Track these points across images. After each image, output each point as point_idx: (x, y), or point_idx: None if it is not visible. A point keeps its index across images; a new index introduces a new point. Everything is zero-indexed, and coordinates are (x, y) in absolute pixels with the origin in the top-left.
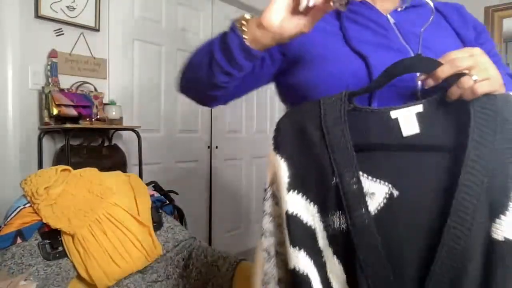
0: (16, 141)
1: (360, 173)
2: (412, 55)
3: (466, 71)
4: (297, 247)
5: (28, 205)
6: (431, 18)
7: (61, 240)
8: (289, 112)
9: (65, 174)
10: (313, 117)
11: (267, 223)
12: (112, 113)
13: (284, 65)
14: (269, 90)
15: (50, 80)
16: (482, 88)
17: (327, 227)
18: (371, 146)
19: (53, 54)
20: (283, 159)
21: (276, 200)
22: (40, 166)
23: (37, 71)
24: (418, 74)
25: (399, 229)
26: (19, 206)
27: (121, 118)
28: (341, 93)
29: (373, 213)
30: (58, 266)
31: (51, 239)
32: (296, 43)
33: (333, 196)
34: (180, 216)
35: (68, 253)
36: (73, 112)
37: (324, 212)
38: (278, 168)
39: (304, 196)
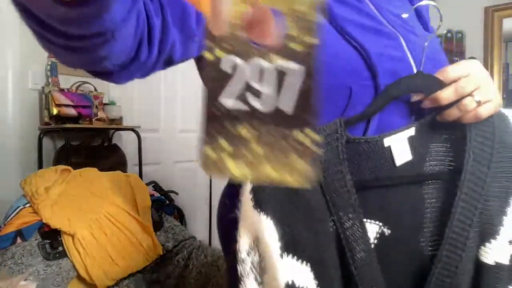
0: (16, 141)
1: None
2: (402, 43)
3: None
4: None
5: (28, 205)
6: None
7: (61, 240)
8: None
9: (65, 174)
10: None
11: None
12: (112, 113)
13: None
14: None
15: (50, 80)
16: (485, 111)
17: (321, 285)
18: (365, 183)
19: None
20: (268, 218)
21: (256, 275)
22: (40, 166)
23: (37, 71)
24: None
25: (391, 267)
26: (19, 206)
27: (121, 118)
28: (336, 123)
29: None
30: (58, 266)
31: (51, 239)
32: None
33: (332, 245)
34: (180, 216)
35: (68, 253)
36: (73, 112)
37: (319, 268)
38: (264, 232)
39: (297, 257)
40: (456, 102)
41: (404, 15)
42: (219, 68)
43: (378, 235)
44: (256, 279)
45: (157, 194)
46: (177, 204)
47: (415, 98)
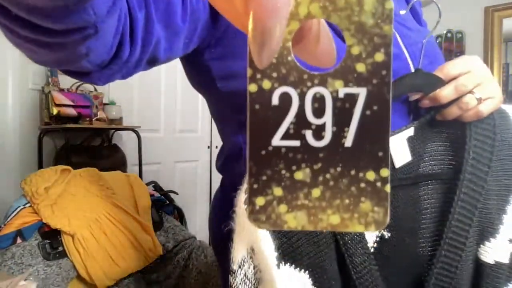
0: (16, 141)
1: None
2: (398, 38)
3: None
4: None
5: (28, 205)
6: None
7: (61, 240)
8: None
9: (65, 174)
10: None
11: None
12: (112, 113)
13: (211, 37)
14: None
15: (50, 80)
16: (487, 109)
17: None
18: None
19: None
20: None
21: (250, 286)
22: (40, 166)
23: (37, 71)
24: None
25: (391, 269)
26: (19, 206)
27: (121, 118)
28: None
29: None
30: (58, 266)
31: (51, 239)
32: None
33: (331, 250)
34: (180, 216)
35: (68, 253)
36: (73, 112)
37: (317, 275)
38: (260, 241)
39: (295, 265)
40: (456, 100)
41: (402, 12)
42: (269, 103)
43: (378, 239)
44: None
45: (157, 194)
46: (177, 204)
47: (414, 97)
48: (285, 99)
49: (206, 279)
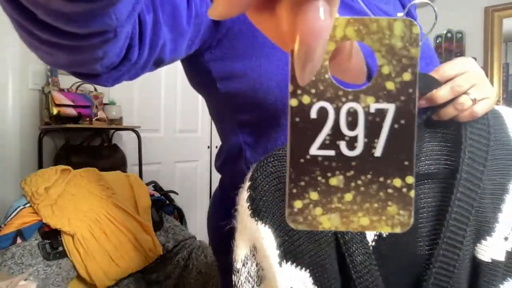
0: (16, 141)
1: None
2: None
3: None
4: None
5: (28, 205)
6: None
7: (61, 240)
8: (266, 158)
9: (65, 174)
10: None
11: None
12: (112, 113)
13: (212, 39)
14: None
15: (50, 80)
16: (482, 109)
17: None
18: None
19: None
20: (267, 226)
21: (253, 284)
22: (40, 166)
23: (37, 71)
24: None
25: (390, 268)
26: (19, 206)
27: (121, 118)
28: None
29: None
30: (58, 266)
31: (51, 239)
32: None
33: (331, 249)
34: (180, 216)
35: (68, 253)
36: (73, 112)
37: (318, 273)
38: (263, 240)
39: (296, 264)
40: (452, 100)
41: (399, 14)
42: (308, 116)
43: (376, 237)
44: None
45: (157, 194)
46: (177, 204)
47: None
48: (322, 113)
49: (206, 279)
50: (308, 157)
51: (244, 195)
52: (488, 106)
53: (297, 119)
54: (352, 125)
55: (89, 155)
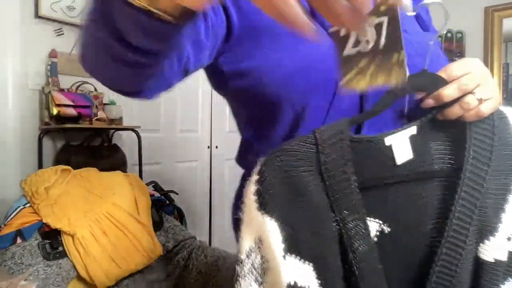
0: (16, 141)
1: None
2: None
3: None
4: None
5: (28, 205)
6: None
7: (61, 240)
8: (272, 153)
9: (65, 174)
10: (307, 157)
11: None
12: (112, 113)
13: (225, 44)
14: None
15: (50, 80)
16: (487, 109)
17: (323, 284)
18: (366, 182)
19: (53, 54)
20: (273, 220)
21: (256, 275)
22: (40, 166)
23: (37, 71)
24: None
25: (391, 265)
26: (19, 206)
27: (121, 118)
28: (340, 123)
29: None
30: (58, 266)
31: (51, 239)
32: (251, 10)
33: (335, 245)
34: (180, 216)
35: (68, 253)
36: (73, 112)
37: (321, 268)
38: (268, 233)
39: (300, 257)
40: (458, 100)
41: (410, 13)
42: (342, 38)
43: (378, 233)
44: (256, 280)
45: (157, 194)
46: (177, 204)
47: (418, 97)
48: (349, 34)
49: (206, 279)
50: (346, 55)
51: (251, 188)
52: (493, 106)
53: (338, 42)
54: (367, 34)
55: (89, 155)
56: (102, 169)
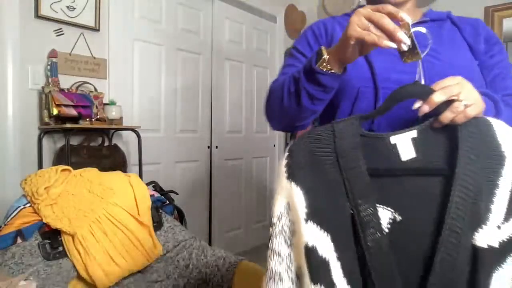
0: (16, 141)
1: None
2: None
3: (456, 97)
4: (318, 284)
5: (28, 205)
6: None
7: (61, 240)
8: (300, 137)
9: (65, 174)
10: (326, 142)
11: (277, 266)
12: (112, 113)
13: None
14: None
15: (50, 80)
16: (472, 111)
17: (340, 258)
18: (378, 171)
19: (53, 54)
20: (299, 188)
21: (286, 236)
22: (40, 166)
23: (37, 71)
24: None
25: (403, 251)
26: (19, 206)
27: (121, 118)
28: (353, 118)
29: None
30: (58, 266)
31: (51, 239)
32: None
33: (348, 224)
34: (180, 216)
35: (68, 253)
36: (73, 112)
37: (338, 242)
38: (295, 198)
39: (319, 226)
40: (448, 105)
41: (421, 29)
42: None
43: (391, 221)
44: (286, 241)
45: (157, 194)
46: (177, 204)
47: (416, 105)
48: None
49: (206, 279)
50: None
51: (283, 162)
52: (477, 109)
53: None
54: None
55: (89, 155)
56: (102, 169)
